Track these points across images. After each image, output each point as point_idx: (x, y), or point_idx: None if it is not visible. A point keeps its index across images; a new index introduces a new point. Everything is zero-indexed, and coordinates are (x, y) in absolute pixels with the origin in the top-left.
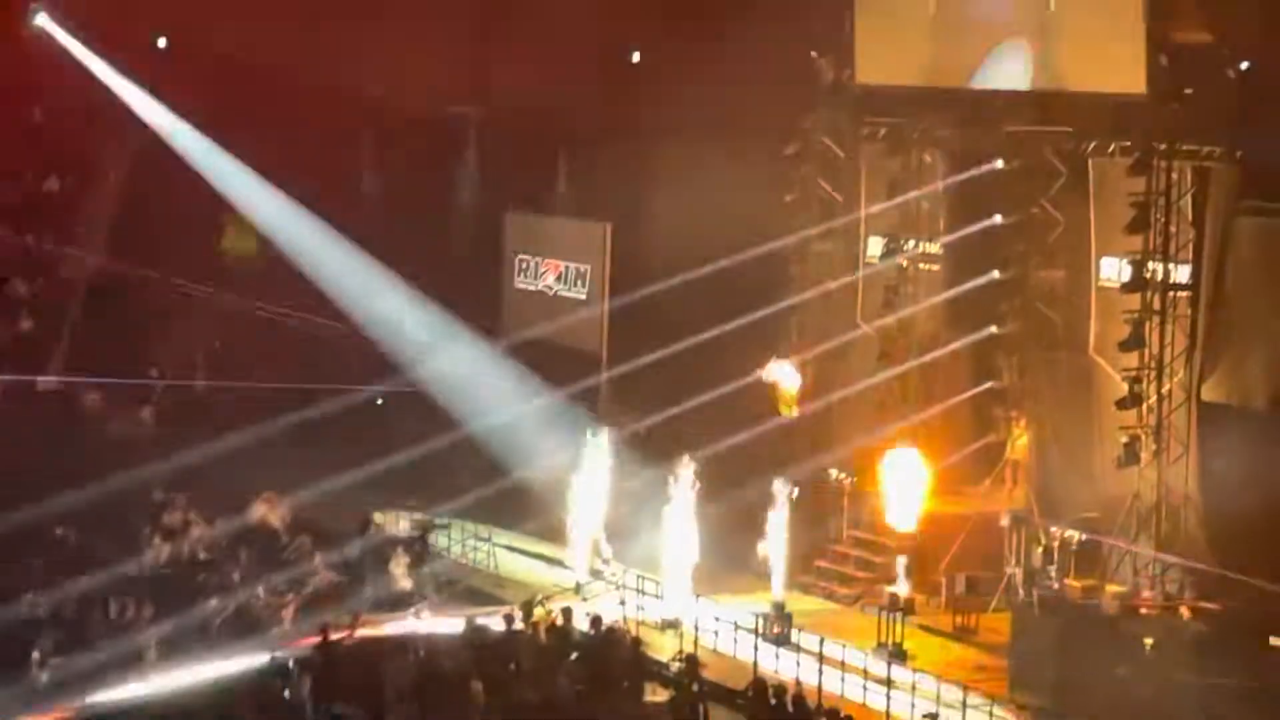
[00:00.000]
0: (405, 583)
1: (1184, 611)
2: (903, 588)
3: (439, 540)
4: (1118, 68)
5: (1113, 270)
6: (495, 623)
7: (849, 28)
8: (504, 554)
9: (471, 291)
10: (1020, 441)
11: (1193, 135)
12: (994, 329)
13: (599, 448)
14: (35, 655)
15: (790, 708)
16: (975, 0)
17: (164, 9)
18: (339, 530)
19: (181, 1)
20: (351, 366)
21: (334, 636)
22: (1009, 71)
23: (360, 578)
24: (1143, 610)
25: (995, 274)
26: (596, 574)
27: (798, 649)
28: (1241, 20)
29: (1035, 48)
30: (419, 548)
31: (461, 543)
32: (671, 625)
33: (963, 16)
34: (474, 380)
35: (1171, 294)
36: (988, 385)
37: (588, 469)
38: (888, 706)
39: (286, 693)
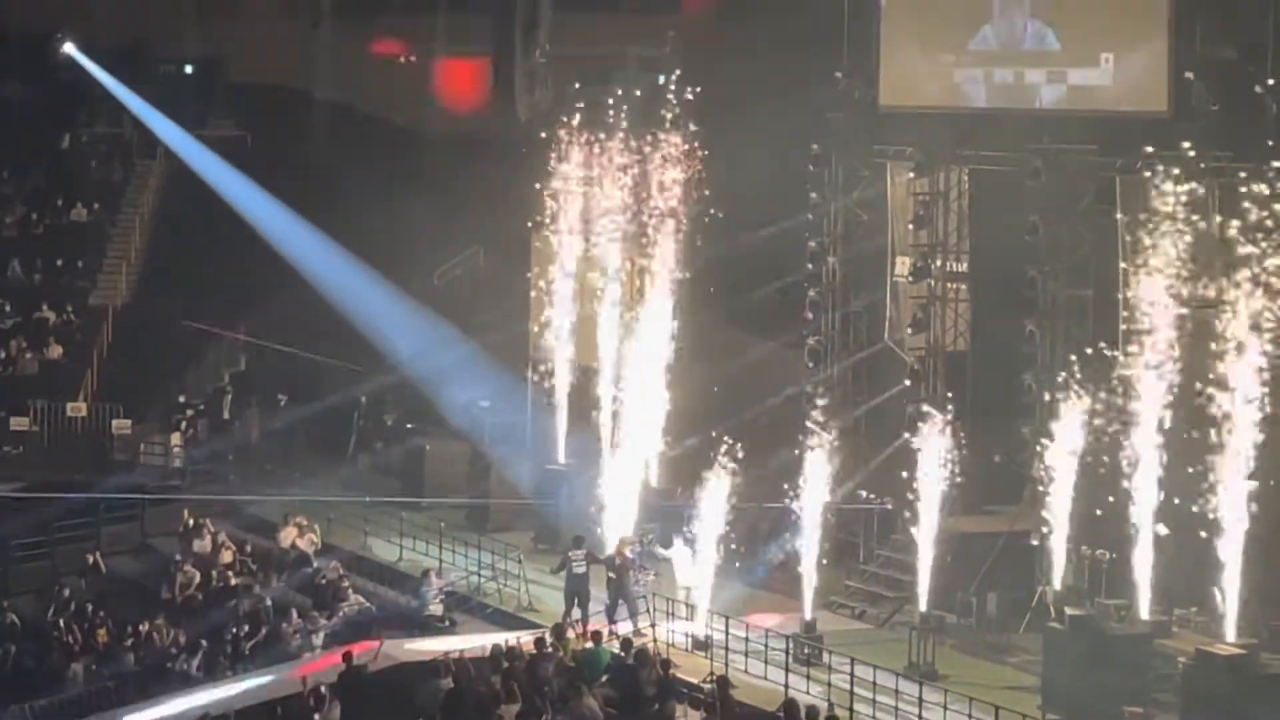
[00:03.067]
0: (437, 607)
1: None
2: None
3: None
4: (1142, 86)
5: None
6: (526, 645)
7: (875, 51)
8: (534, 577)
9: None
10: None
11: (1221, 152)
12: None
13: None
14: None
15: None
16: (998, 23)
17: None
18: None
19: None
20: (380, 400)
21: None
22: (1034, 92)
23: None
24: (1176, 630)
25: (1022, 293)
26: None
27: (829, 669)
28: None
29: (1059, 68)
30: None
31: (492, 565)
32: (702, 646)
33: (985, 39)
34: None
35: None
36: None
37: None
38: None
39: (316, 717)
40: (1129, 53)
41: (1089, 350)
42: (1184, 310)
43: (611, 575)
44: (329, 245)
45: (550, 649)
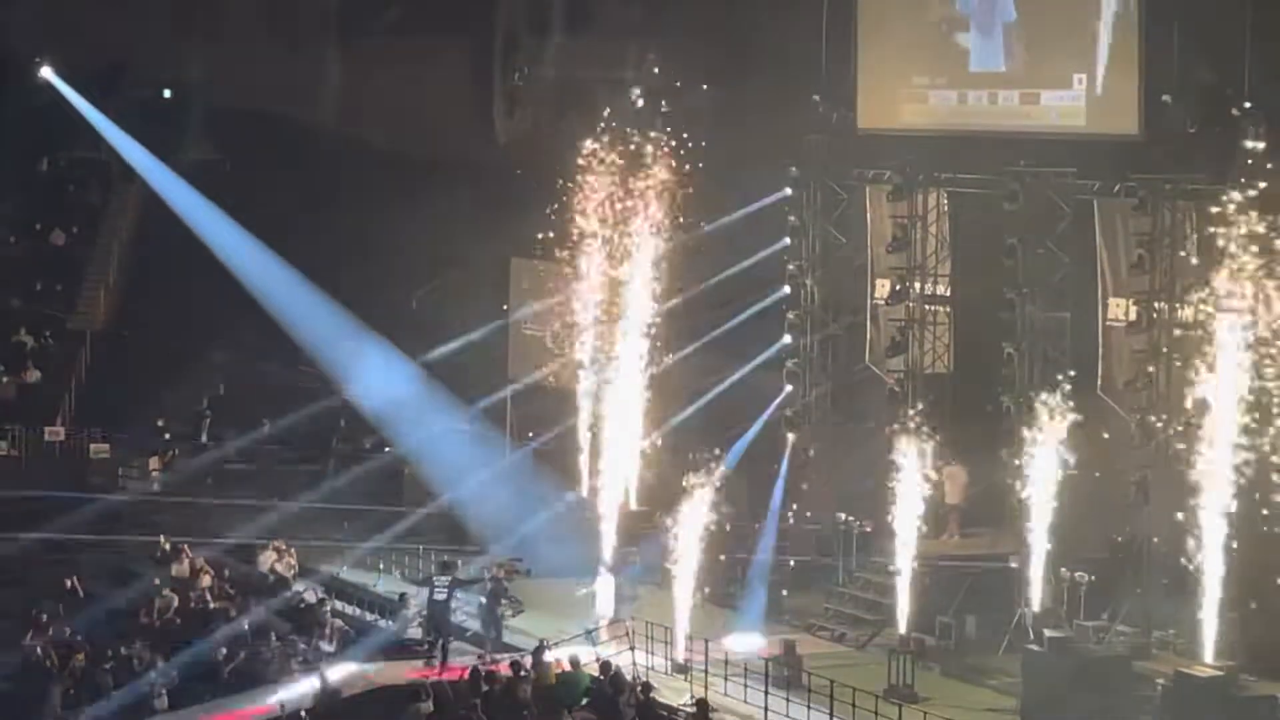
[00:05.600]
0: (416, 630)
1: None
2: None
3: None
4: (1114, 109)
5: (1120, 310)
6: (505, 668)
7: (853, 74)
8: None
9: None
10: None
11: (1197, 174)
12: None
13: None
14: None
15: None
16: (974, 47)
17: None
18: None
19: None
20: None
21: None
22: (1008, 113)
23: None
24: (1154, 651)
25: (1000, 315)
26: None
27: (808, 692)
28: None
29: (1032, 89)
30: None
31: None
32: (681, 670)
33: (962, 64)
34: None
35: (1178, 333)
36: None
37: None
38: None
39: None
40: (1101, 74)
41: (1067, 372)
42: (1162, 332)
43: (483, 600)
44: (298, 277)
45: (529, 672)
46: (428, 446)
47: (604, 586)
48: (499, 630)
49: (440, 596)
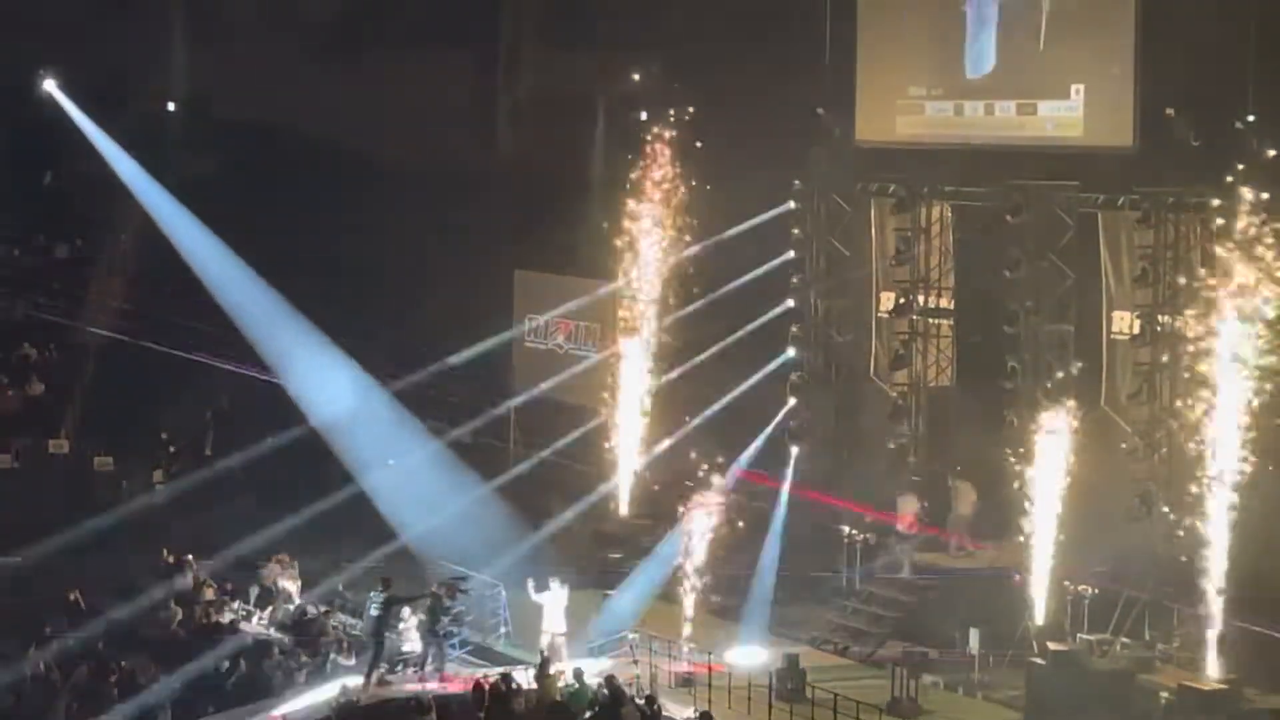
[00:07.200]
0: (415, 643)
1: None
2: None
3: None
4: (1110, 120)
5: (1124, 323)
6: (510, 681)
7: (852, 86)
8: (518, 612)
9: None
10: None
11: (1201, 187)
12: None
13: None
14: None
15: None
16: (972, 59)
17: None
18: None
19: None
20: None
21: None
22: (1005, 126)
23: (379, 636)
24: (1158, 664)
25: (1004, 328)
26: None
27: (812, 705)
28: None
29: (1029, 99)
30: (437, 606)
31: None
32: (686, 683)
33: (958, 75)
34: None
35: (1182, 347)
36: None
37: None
38: None
39: None
40: (1099, 85)
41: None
42: (1165, 345)
43: (423, 617)
44: (290, 306)
45: (532, 685)
46: (419, 465)
47: (550, 599)
48: (440, 648)
49: (375, 613)
